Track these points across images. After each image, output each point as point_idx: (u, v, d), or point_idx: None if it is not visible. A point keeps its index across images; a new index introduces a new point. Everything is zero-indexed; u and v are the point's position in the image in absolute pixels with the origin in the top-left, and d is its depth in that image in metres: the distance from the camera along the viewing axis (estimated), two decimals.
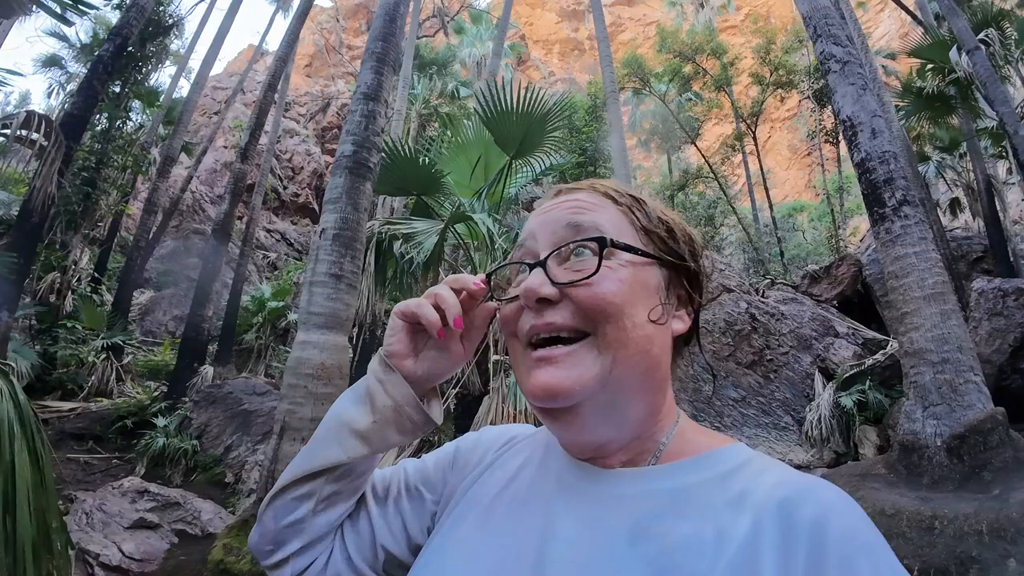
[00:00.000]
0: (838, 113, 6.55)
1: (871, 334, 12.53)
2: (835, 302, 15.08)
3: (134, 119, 12.63)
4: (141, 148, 12.00)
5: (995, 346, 7.58)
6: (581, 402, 0.54)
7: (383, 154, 6.41)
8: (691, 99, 18.45)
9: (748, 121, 18.83)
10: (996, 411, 4.51)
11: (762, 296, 14.05)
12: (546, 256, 0.57)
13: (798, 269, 17.96)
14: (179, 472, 6.98)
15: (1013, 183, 12.96)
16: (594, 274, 0.54)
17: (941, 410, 4.74)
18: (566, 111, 8.23)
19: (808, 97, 18.43)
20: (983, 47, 9.12)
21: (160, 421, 7.79)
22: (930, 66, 11.08)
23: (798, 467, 9.37)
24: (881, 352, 10.83)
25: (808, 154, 36.99)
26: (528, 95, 7.27)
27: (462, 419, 7.62)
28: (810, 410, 10.10)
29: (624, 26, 40.22)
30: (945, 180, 14.31)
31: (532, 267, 0.57)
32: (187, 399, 8.75)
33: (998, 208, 11.41)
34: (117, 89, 11.64)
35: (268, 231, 19.11)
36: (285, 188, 20.00)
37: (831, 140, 19.90)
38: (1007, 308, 7.86)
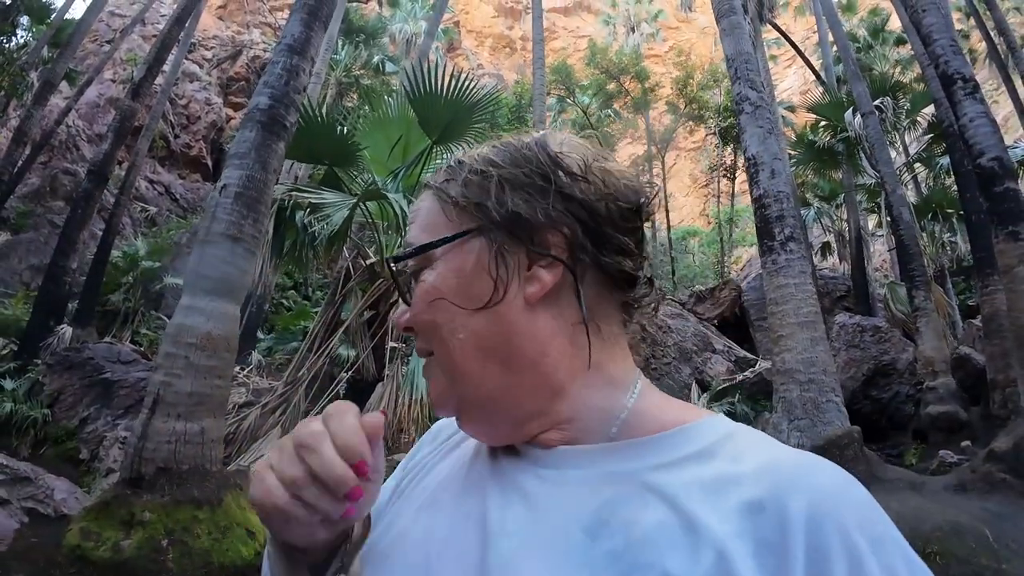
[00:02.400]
0: (745, 151, 7.07)
1: (743, 353, 13.82)
2: (715, 321, 16.47)
3: (19, 36, 10.79)
4: (20, 69, 10.27)
5: (850, 373, 8.67)
6: (459, 410, 0.51)
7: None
8: (610, 116, 19.22)
9: (659, 146, 19.98)
10: (853, 429, 5.11)
11: (654, 310, 15.00)
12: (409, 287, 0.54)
13: (685, 288, 19.40)
14: (26, 443, 6.23)
15: (880, 235, 14.88)
16: (406, 300, 0.53)
17: (804, 424, 5.27)
18: (493, 105, 8.19)
19: (714, 133, 19.92)
20: (877, 112, 10.35)
21: (7, 384, 7.03)
22: (824, 123, 12.44)
23: None
24: (751, 370, 11.99)
25: (706, 185, 40.06)
26: (458, 82, 7.14)
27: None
28: None
29: (557, 34, 41.00)
30: (821, 225, 16.10)
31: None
32: (40, 361, 7.68)
33: (864, 255, 13.02)
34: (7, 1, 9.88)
35: (151, 182, 17.15)
36: (176, 137, 18.05)
37: (728, 175, 21.68)
38: (863, 342, 9.02)
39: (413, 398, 6.65)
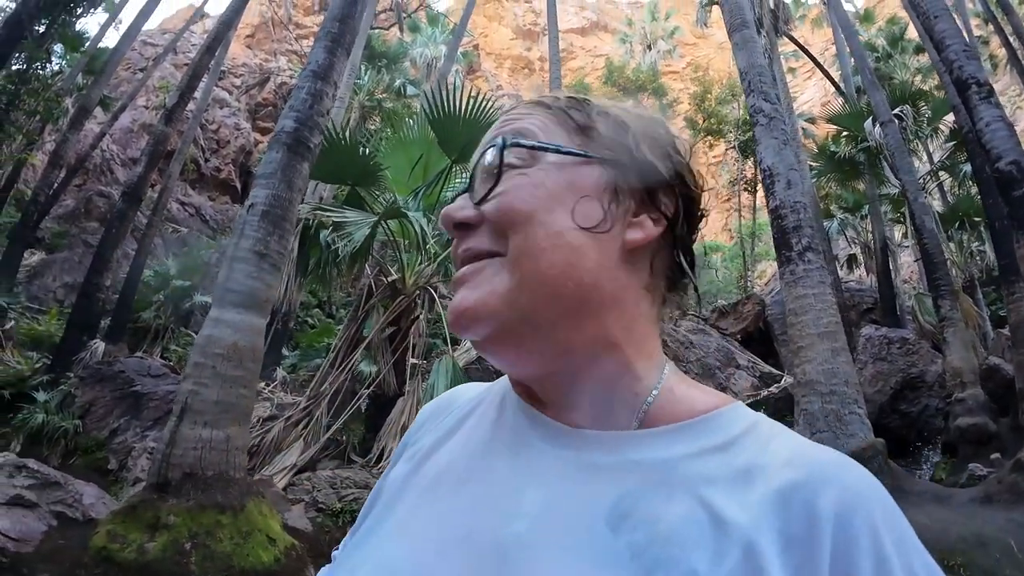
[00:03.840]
0: (760, 162, 7.07)
1: (768, 368, 13.57)
2: (739, 336, 16.23)
3: (54, 63, 11.43)
4: (56, 95, 10.88)
5: (878, 387, 8.47)
6: (496, 327, 0.46)
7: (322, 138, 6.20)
8: None
9: None
10: (877, 441, 5.01)
11: (675, 325, 14.89)
12: (471, 177, 0.50)
13: (708, 304, 19.16)
14: (57, 453, 6.36)
15: (907, 246, 14.59)
16: (496, 183, 0.47)
17: (827, 437, 5.19)
18: None
19: (733, 147, 19.85)
20: (896, 121, 10.26)
21: (40, 396, 7.14)
22: (845, 133, 12.32)
23: None
24: (776, 385, 11.76)
25: (727, 199, 39.69)
26: (477, 102, 7.32)
27: (374, 419, 7.40)
28: None
29: (575, 54, 41.55)
30: (846, 237, 15.84)
31: (460, 193, 0.51)
32: (72, 374, 7.95)
33: (891, 267, 12.77)
34: (42, 29, 10.51)
35: (182, 204, 17.80)
36: (207, 161, 18.74)
37: (749, 189, 21.49)
38: (891, 355, 8.82)
39: None
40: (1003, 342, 8.97)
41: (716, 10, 16.38)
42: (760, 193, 23.25)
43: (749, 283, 20.59)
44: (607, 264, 0.47)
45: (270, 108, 21.21)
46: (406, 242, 7.71)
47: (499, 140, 0.48)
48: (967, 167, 10.56)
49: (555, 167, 0.48)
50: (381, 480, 0.59)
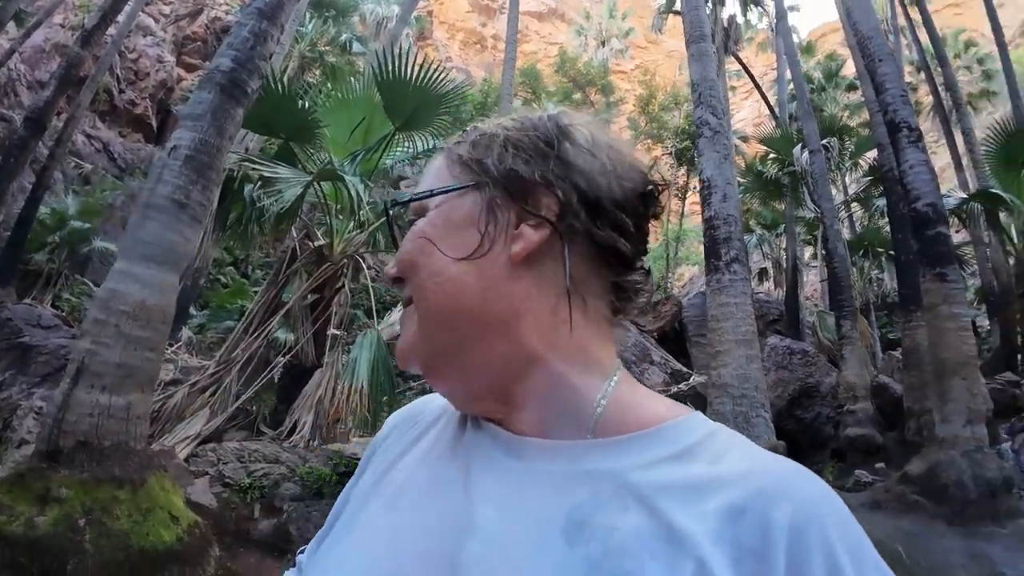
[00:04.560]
0: (701, 173, 7.29)
1: (679, 366, 14.30)
2: (655, 334, 16.98)
3: None
4: None
5: (777, 392, 9.14)
6: (420, 362, 0.50)
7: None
8: None
9: None
10: (778, 443, 5.38)
11: None
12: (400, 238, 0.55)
13: None
14: None
15: (814, 266, 15.79)
16: (396, 246, 0.54)
17: None
18: (460, 99, 8.13)
19: (670, 153, 20.57)
20: (823, 151, 10.97)
21: None
22: (773, 155, 13.08)
23: None
24: (685, 383, 12.43)
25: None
26: (428, 71, 7.04)
27: (288, 390, 7.04)
28: None
29: (529, 38, 41.20)
30: (761, 251, 16.91)
31: None
32: None
33: (798, 284, 13.77)
34: None
35: (89, 137, 15.95)
36: (121, 92, 16.87)
37: (679, 195, 22.40)
38: (792, 364, 9.55)
39: (353, 387, 6.48)
40: (893, 363, 9.98)
41: (671, 19, 16.78)
42: (689, 200, 24.42)
43: (669, 284, 21.57)
44: (492, 284, 0.48)
45: (199, 44, 19.42)
46: (337, 207, 7.35)
47: (386, 204, 0.55)
48: (880, 202, 11.55)
49: (436, 210, 0.51)
50: (347, 488, 0.60)
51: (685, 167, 20.96)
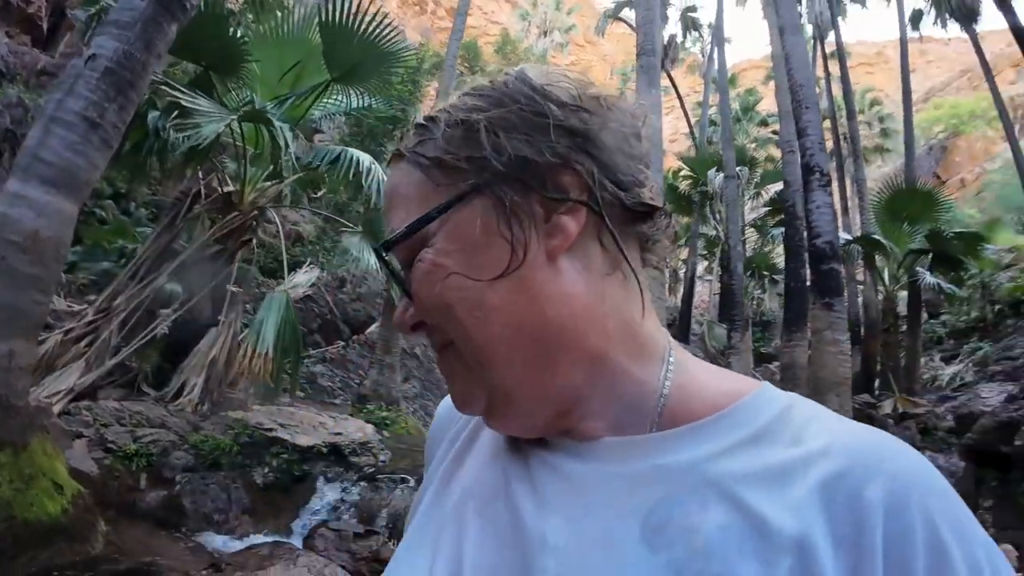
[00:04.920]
0: None
1: None
2: None
3: None
4: None
5: None
6: (493, 405, 0.44)
7: None
8: None
9: None
10: None
11: None
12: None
13: None
14: None
15: (708, 279, 17.13)
16: (406, 292, 0.45)
17: None
18: (409, 61, 7.77)
19: None
20: (736, 178, 11.89)
21: None
22: (686, 172, 13.98)
23: None
24: None
25: None
26: (379, 24, 6.63)
27: (176, 348, 6.34)
28: None
29: (472, 12, 40.16)
30: None
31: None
32: None
33: (692, 294, 14.88)
34: None
35: None
36: None
37: None
38: None
39: (257, 351, 5.98)
40: (768, 374, 11.12)
41: (614, 24, 17.16)
42: None
43: None
44: (545, 290, 0.42)
45: None
46: (256, 151, 6.72)
47: (376, 251, 0.45)
48: (775, 230, 12.76)
49: (441, 232, 0.42)
50: (424, 480, 0.57)
51: None
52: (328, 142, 13.32)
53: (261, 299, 10.21)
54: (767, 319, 16.29)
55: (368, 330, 11.65)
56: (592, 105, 0.43)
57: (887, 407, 7.81)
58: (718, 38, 14.40)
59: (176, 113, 5.37)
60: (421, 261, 0.43)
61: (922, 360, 9.80)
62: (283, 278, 7.61)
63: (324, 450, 5.31)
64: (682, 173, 14.46)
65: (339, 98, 7.55)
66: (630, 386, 0.43)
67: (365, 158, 7.12)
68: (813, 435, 0.40)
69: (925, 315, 11.19)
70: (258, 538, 4.08)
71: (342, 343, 11.11)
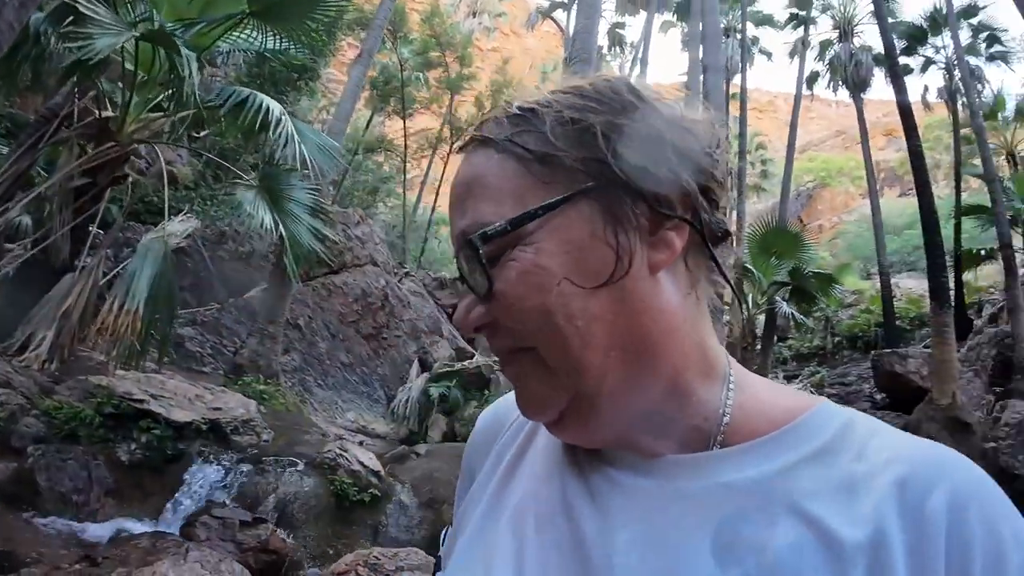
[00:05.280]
0: None
1: (465, 345, 15.04)
2: (449, 309, 17.57)
3: None
4: None
5: None
6: (566, 414, 0.43)
7: None
8: (420, 80, 18.77)
9: (453, 129, 20.47)
10: None
11: (399, 281, 15.24)
12: (461, 275, 0.45)
13: (429, 271, 20.18)
14: None
15: None
16: (489, 288, 0.41)
17: None
18: (342, 8, 7.25)
19: None
20: None
21: None
22: None
23: (378, 436, 10.35)
24: (469, 362, 13.17)
25: None
26: None
27: (22, 293, 5.36)
28: (402, 391, 11.49)
29: None
30: None
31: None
32: None
33: None
34: None
35: None
36: None
37: None
38: None
39: (126, 307, 5.25)
40: None
41: (549, 24, 17.30)
42: None
43: None
44: (647, 303, 0.42)
45: None
46: (143, 76, 5.87)
47: (468, 243, 0.42)
48: None
49: (543, 231, 0.41)
50: (459, 491, 0.58)
51: None
52: (222, 80, 11.96)
53: (126, 246, 8.93)
54: None
55: (248, 294, 10.67)
56: (698, 128, 0.44)
57: None
58: (643, 60, 15.20)
59: (70, 20, 4.46)
60: (515, 260, 0.41)
61: (768, 377, 11.35)
62: (154, 225, 6.78)
63: (203, 427, 4.85)
64: None
65: (253, 35, 6.83)
66: (697, 405, 0.44)
67: (275, 107, 6.53)
68: (876, 449, 0.41)
69: (775, 338, 12.90)
70: (125, 524, 3.60)
71: (216, 305, 10.03)
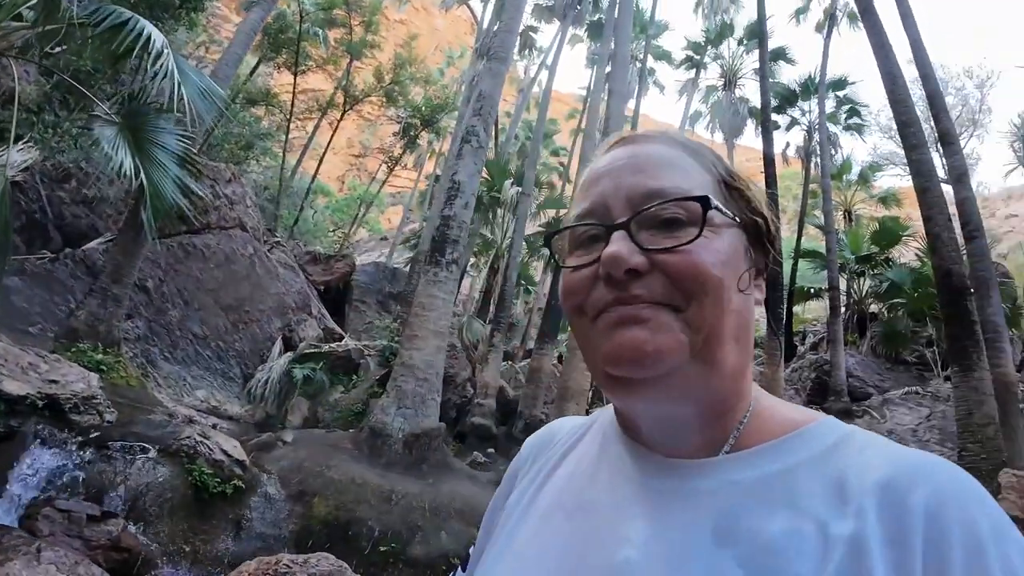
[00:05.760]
0: (454, 174, 7.90)
1: (334, 326, 14.50)
2: (321, 287, 16.77)
3: None
4: None
5: None
6: (666, 373, 0.46)
7: None
8: (318, 37, 17.60)
9: (347, 95, 19.53)
10: (441, 425, 6.27)
11: (269, 250, 14.22)
12: (629, 218, 0.49)
13: (300, 242, 19.09)
14: None
15: (472, 275, 18.07)
16: (694, 240, 0.47)
17: (410, 413, 6.19)
18: None
19: (398, 122, 20.86)
20: (528, 197, 13.07)
21: None
22: (485, 176, 14.82)
23: (230, 418, 9.67)
24: (338, 343, 12.72)
25: (360, 155, 40.49)
26: None
27: None
28: (262, 370, 10.74)
29: None
30: None
31: (611, 229, 0.49)
32: None
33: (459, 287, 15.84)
34: None
35: None
36: None
37: (388, 163, 22.79)
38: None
39: None
40: (511, 372, 12.64)
41: (462, 10, 17.13)
42: (398, 173, 24.98)
43: (348, 243, 21.58)
44: (751, 319, 0.52)
45: None
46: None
47: (705, 199, 0.49)
48: (545, 250, 14.58)
49: (724, 230, 0.50)
50: (495, 500, 0.66)
51: (405, 140, 21.50)
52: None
53: None
54: (512, 322, 18.41)
55: (89, 245, 9.19)
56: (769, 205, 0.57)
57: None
58: (550, 68, 15.76)
59: None
60: (710, 238, 0.49)
61: None
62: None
63: (39, 402, 4.21)
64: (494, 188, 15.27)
65: None
66: (738, 408, 0.51)
67: (158, 37, 5.98)
68: (870, 456, 0.45)
69: None
70: None
71: (50, 255, 8.51)
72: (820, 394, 11.68)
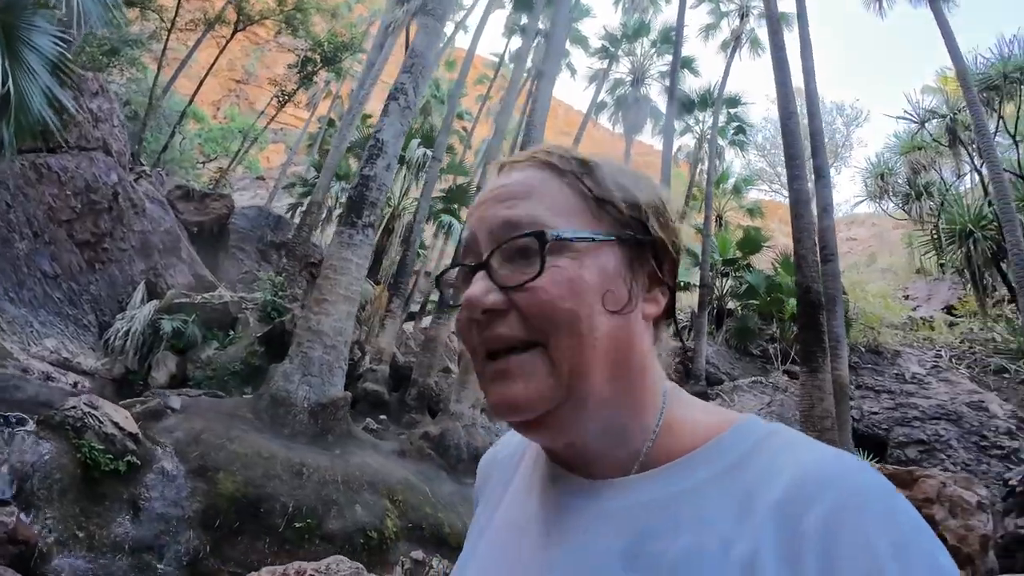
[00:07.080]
0: (378, 131, 7.57)
1: (205, 272, 13.22)
2: (194, 228, 15.11)
3: None
4: None
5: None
6: (545, 414, 0.47)
7: None
8: None
9: (240, 13, 17.56)
10: (347, 394, 6.13)
11: (135, 180, 12.51)
12: (488, 255, 0.50)
13: (163, 171, 17.03)
14: None
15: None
16: (535, 277, 0.47)
17: (316, 381, 5.97)
18: None
19: (300, 53, 19.19)
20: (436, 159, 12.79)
21: None
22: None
23: (84, 373, 8.51)
24: (213, 293, 11.63)
25: (241, 81, 36.45)
26: None
27: None
28: (122, 319, 9.55)
29: None
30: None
31: (475, 270, 0.50)
32: None
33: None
34: None
35: None
36: None
37: (278, 96, 20.84)
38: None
39: None
40: (404, 338, 12.49)
41: None
42: (310, 113, 22.69)
43: (225, 180, 19.57)
44: (636, 340, 0.50)
45: None
46: None
47: (540, 234, 0.48)
48: (447, 218, 14.42)
49: (585, 253, 0.49)
50: (472, 523, 0.67)
51: (301, 76, 19.72)
52: None
53: None
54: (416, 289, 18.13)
55: None
56: (676, 220, 0.55)
57: None
58: (476, 34, 15.31)
59: None
60: (561, 267, 0.47)
61: None
62: None
63: None
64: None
65: None
66: (641, 426, 0.50)
67: None
68: (780, 465, 0.44)
69: None
70: None
71: None
72: (683, 380, 13.07)
